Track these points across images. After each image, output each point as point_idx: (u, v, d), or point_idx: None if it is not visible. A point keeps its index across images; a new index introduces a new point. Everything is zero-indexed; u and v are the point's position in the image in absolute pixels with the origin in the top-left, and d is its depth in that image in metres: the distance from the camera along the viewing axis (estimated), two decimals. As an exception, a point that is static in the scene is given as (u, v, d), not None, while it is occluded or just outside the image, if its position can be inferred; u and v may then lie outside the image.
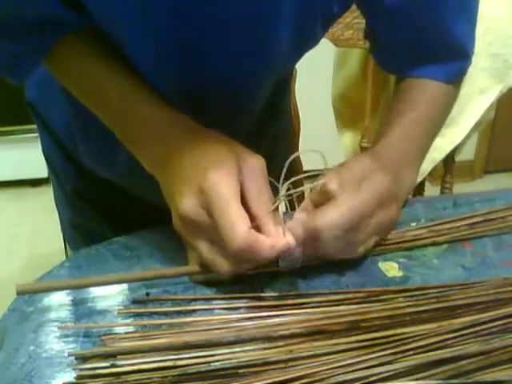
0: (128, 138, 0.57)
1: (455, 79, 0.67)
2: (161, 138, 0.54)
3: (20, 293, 0.47)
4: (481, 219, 0.62)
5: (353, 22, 1.03)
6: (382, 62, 0.70)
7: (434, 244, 0.59)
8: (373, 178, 0.54)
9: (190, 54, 0.56)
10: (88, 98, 0.59)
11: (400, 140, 0.62)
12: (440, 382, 0.42)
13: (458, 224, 0.61)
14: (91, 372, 0.42)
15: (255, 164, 0.50)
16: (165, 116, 0.55)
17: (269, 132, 0.77)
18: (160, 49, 0.56)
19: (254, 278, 0.53)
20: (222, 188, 0.47)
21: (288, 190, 0.49)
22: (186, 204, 0.48)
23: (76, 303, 0.50)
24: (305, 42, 0.62)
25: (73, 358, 0.43)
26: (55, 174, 0.79)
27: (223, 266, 0.49)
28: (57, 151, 0.76)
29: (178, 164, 0.51)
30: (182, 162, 0.50)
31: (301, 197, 0.80)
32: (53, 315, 0.49)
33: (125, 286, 0.52)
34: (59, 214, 0.83)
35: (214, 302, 0.50)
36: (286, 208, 0.54)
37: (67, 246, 0.91)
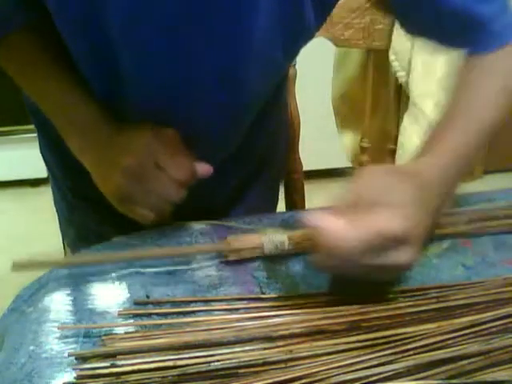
0: (61, 128, 0.63)
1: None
2: (87, 130, 0.62)
3: (15, 269, 0.48)
4: (481, 215, 0.61)
5: (353, 22, 1.03)
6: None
7: (433, 242, 0.59)
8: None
9: (178, 59, 0.57)
10: (29, 86, 0.63)
11: (453, 159, 0.55)
12: (440, 382, 0.42)
13: (459, 218, 0.61)
14: (91, 372, 0.42)
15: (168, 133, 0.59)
16: (92, 112, 0.61)
17: (266, 132, 0.77)
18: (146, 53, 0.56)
19: (253, 279, 0.53)
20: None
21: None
22: (128, 162, 0.57)
23: (76, 304, 0.50)
24: (296, 33, 0.61)
25: (73, 358, 0.43)
26: (53, 174, 0.79)
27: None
28: (54, 153, 0.76)
29: (107, 148, 0.60)
30: (110, 146, 0.60)
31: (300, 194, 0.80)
32: (53, 315, 0.49)
33: (125, 287, 0.52)
34: (58, 213, 0.83)
35: (214, 303, 0.50)
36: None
37: (65, 246, 0.91)
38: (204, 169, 0.61)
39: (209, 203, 0.69)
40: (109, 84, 0.60)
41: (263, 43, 0.58)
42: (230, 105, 0.63)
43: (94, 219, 0.77)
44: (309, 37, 0.63)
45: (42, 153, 0.79)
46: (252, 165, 0.78)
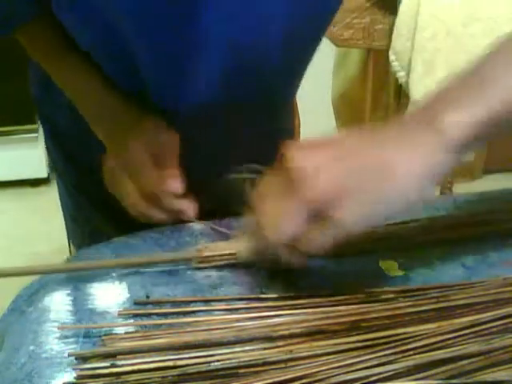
0: (88, 116, 0.65)
1: None
2: (115, 119, 0.64)
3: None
4: (482, 218, 0.61)
5: (353, 22, 1.03)
6: None
7: (434, 242, 0.59)
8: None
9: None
10: (53, 69, 0.65)
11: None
12: (440, 382, 0.42)
13: (459, 222, 0.61)
14: (91, 372, 0.42)
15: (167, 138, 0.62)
16: (120, 103, 0.64)
17: (271, 130, 0.77)
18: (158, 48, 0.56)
19: (253, 279, 0.53)
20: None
21: None
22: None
23: (76, 304, 0.50)
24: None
25: (73, 358, 0.43)
26: (57, 171, 0.80)
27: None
28: (58, 150, 0.76)
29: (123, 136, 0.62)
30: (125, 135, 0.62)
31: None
32: (53, 315, 0.49)
33: (125, 287, 0.52)
34: (62, 209, 0.84)
35: (214, 303, 0.50)
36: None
37: (70, 244, 0.91)
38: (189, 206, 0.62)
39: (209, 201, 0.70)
40: (127, 81, 0.62)
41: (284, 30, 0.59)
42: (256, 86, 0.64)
43: (96, 216, 0.77)
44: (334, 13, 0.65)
45: (46, 146, 0.80)
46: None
